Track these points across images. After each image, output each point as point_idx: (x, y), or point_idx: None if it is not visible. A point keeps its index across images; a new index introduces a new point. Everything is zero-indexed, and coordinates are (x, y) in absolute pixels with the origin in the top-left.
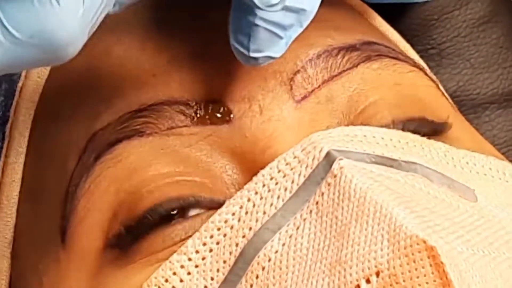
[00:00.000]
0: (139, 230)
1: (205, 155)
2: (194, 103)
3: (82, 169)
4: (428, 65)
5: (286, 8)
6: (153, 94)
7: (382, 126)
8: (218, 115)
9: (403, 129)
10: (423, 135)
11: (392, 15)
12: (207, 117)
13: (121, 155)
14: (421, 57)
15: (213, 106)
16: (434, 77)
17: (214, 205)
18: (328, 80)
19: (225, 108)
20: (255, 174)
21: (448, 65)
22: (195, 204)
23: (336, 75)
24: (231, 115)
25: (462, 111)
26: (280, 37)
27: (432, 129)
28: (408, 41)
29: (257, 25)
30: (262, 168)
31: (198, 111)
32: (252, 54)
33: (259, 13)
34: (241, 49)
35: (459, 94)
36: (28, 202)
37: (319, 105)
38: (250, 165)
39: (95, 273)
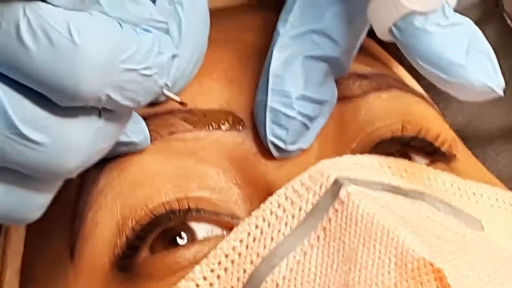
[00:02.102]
0: (142, 248)
1: (210, 163)
2: (198, 111)
3: (87, 181)
4: (434, 99)
5: (314, 101)
6: (152, 108)
7: (384, 140)
8: (228, 123)
9: (408, 145)
10: (430, 161)
11: (398, 50)
12: (214, 124)
13: (124, 163)
14: (428, 90)
15: (220, 114)
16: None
17: (218, 219)
18: (340, 100)
19: (236, 117)
20: (263, 188)
21: (454, 100)
22: (198, 218)
23: (347, 97)
24: (242, 124)
25: (468, 145)
26: (308, 128)
27: (438, 155)
28: (414, 75)
29: (295, 119)
30: (272, 184)
31: (203, 119)
32: (289, 147)
33: (298, 107)
34: (279, 143)
35: (465, 128)
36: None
37: (329, 122)
38: (259, 179)
39: None
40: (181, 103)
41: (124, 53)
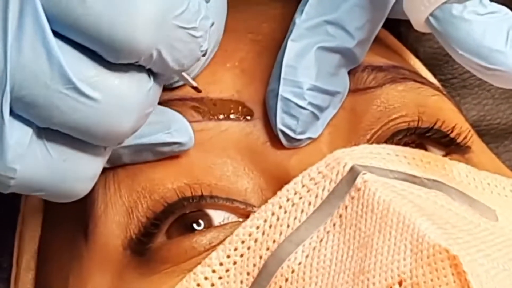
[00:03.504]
0: (158, 234)
1: (216, 154)
2: (209, 100)
3: None
4: (449, 94)
5: (325, 92)
6: (164, 93)
7: (400, 131)
8: (237, 113)
9: (424, 136)
10: (445, 152)
11: (414, 45)
12: (223, 114)
13: None
14: (443, 86)
15: (230, 104)
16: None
17: (233, 206)
18: (353, 91)
19: (245, 108)
20: (274, 177)
21: (469, 95)
22: (213, 205)
23: (361, 89)
24: (251, 114)
25: (482, 140)
26: (318, 118)
27: (454, 146)
28: (429, 70)
29: (305, 109)
30: (284, 173)
31: (213, 108)
32: (298, 136)
33: (309, 97)
34: (289, 132)
35: (480, 124)
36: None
37: (342, 113)
38: (270, 168)
39: (118, 276)
40: (196, 88)
41: (177, 9)
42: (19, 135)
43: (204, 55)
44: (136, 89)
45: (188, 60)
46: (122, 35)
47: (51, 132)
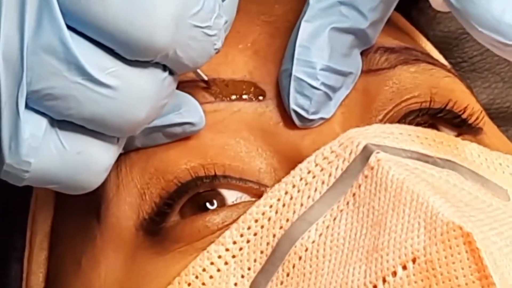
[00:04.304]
0: (171, 214)
1: (228, 134)
2: (221, 81)
3: None
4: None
5: (338, 72)
6: None
7: (413, 112)
8: (249, 94)
9: (436, 117)
10: (457, 133)
11: (425, 28)
12: (235, 95)
13: None
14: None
15: (242, 85)
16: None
17: (246, 186)
18: (366, 72)
19: (258, 89)
20: (287, 157)
21: (479, 79)
22: (226, 184)
23: (373, 70)
24: (263, 95)
25: None
26: (331, 99)
27: (466, 127)
28: (440, 53)
29: (318, 89)
30: (297, 153)
31: (225, 89)
32: (311, 117)
33: (322, 77)
34: (301, 112)
35: (489, 107)
36: None
37: (354, 93)
38: (282, 148)
39: (131, 256)
40: (207, 82)
41: (193, 8)
42: (33, 128)
43: (217, 53)
44: (152, 80)
45: (202, 58)
46: (140, 34)
47: (65, 124)
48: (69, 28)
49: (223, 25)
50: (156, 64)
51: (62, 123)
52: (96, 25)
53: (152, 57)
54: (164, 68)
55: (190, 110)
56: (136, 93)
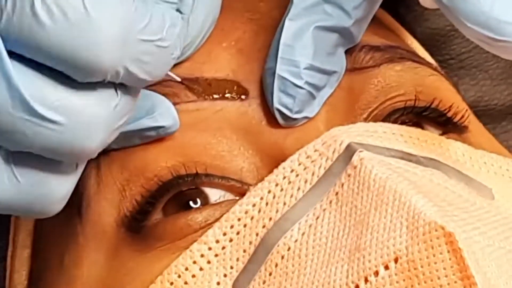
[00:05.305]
0: (153, 212)
1: (211, 133)
2: (204, 80)
3: None
4: (447, 75)
5: (322, 71)
6: None
7: (397, 110)
8: (232, 93)
9: (421, 115)
10: (442, 131)
11: (412, 25)
12: (217, 94)
13: None
14: (440, 67)
15: (225, 84)
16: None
17: (229, 184)
18: (350, 71)
19: (240, 88)
20: (270, 156)
21: (467, 76)
22: (209, 183)
23: (358, 69)
24: (246, 94)
25: (479, 121)
26: (314, 98)
27: (451, 125)
28: (427, 50)
29: (302, 88)
30: (280, 152)
31: (207, 88)
32: (294, 116)
33: (306, 76)
34: (285, 111)
35: (477, 105)
36: None
37: (339, 92)
38: (265, 147)
39: (113, 253)
40: (181, 82)
41: (139, 24)
42: None
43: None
44: (103, 105)
45: (160, 70)
46: (85, 56)
47: (21, 154)
48: (13, 53)
49: (178, 33)
50: (109, 85)
51: (18, 153)
52: (41, 51)
53: (102, 77)
54: (117, 91)
55: (163, 113)
56: (86, 122)
